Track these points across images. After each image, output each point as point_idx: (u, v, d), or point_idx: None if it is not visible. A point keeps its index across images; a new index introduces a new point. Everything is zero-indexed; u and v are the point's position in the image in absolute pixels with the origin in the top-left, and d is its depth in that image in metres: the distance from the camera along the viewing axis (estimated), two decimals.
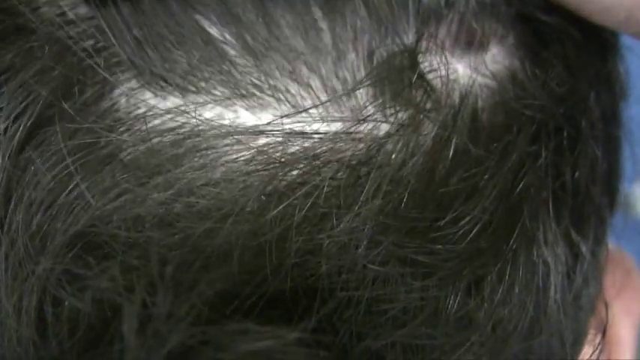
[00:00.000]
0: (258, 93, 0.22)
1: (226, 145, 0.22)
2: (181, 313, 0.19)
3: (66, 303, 0.21)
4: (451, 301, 0.22)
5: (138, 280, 0.20)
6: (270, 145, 0.22)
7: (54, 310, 0.21)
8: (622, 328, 0.30)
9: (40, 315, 0.21)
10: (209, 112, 0.22)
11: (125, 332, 0.19)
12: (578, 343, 0.26)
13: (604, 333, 0.26)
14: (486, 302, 0.23)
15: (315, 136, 0.22)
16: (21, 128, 0.22)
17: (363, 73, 0.22)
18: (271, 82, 0.22)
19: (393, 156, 0.22)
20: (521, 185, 0.23)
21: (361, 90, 0.22)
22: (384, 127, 0.22)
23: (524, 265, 0.23)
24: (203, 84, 0.22)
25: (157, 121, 0.22)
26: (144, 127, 0.22)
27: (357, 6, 0.23)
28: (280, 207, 0.21)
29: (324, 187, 0.21)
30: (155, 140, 0.22)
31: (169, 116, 0.22)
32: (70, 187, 0.22)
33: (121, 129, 0.22)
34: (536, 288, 0.23)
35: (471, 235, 0.22)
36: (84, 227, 0.21)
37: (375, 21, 0.23)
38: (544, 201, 0.23)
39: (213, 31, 0.23)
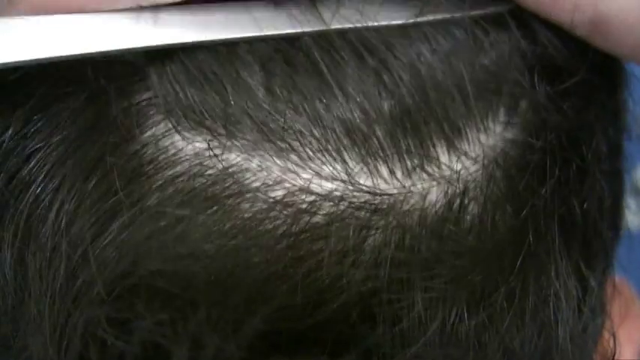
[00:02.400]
0: (284, 137, 0.23)
1: (253, 189, 0.23)
2: (229, 354, 0.20)
3: (109, 343, 0.21)
4: (464, 328, 0.23)
5: (185, 325, 0.21)
6: (294, 190, 0.23)
7: (99, 352, 0.22)
8: (624, 355, 0.31)
9: (82, 355, 0.22)
10: (236, 156, 0.23)
11: None
12: None
13: None
14: (497, 331, 0.24)
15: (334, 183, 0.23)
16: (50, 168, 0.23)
17: (383, 122, 0.23)
18: (297, 126, 0.23)
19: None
20: (525, 212, 0.24)
21: (379, 138, 0.23)
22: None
23: (533, 296, 0.24)
24: (232, 127, 0.23)
25: (185, 165, 0.23)
26: (169, 173, 0.23)
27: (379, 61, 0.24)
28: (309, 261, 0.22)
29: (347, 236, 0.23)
30: (181, 185, 0.23)
31: (196, 161, 0.23)
32: (106, 233, 0.22)
33: (148, 172, 0.23)
34: (547, 320, 0.24)
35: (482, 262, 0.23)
36: (122, 270, 0.22)
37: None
38: (554, 235, 0.24)
39: (249, 80, 0.23)
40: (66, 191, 0.23)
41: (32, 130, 0.24)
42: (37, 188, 0.23)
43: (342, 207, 0.23)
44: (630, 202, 0.34)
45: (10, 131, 0.24)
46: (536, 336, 0.24)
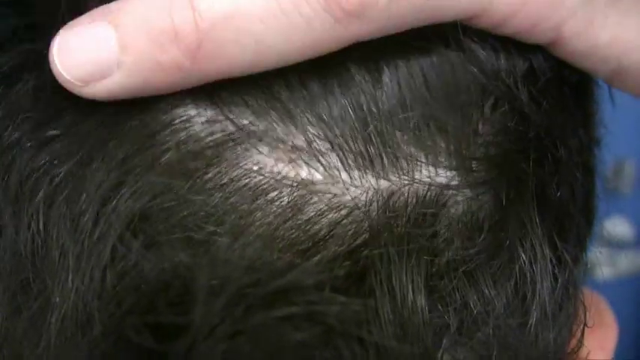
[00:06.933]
0: (289, 106, 0.25)
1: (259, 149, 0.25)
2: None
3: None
4: (448, 289, 0.25)
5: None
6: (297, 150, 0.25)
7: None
8: None
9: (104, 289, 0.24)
10: (245, 120, 0.25)
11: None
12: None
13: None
14: (478, 290, 0.25)
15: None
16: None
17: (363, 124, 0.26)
18: (298, 98, 0.25)
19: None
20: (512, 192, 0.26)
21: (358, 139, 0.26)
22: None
23: (511, 253, 0.26)
24: (241, 98, 0.25)
25: (196, 127, 0.25)
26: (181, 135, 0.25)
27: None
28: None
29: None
30: (194, 145, 0.25)
31: (207, 126, 0.25)
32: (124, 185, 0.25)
33: (162, 136, 0.25)
34: (523, 278, 0.26)
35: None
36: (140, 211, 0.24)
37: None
38: (530, 205, 0.26)
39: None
40: (89, 157, 0.25)
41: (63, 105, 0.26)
42: (64, 158, 0.25)
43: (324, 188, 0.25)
44: (601, 253, 0.36)
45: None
46: (513, 292, 0.26)
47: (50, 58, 0.24)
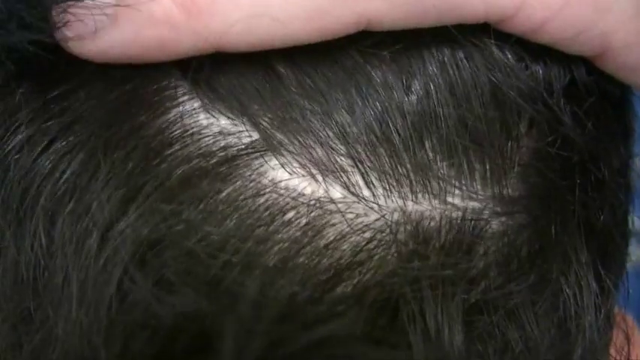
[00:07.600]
0: (303, 118, 0.24)
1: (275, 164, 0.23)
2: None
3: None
4: (490, 328, 0.24)
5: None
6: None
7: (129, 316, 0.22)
8: None
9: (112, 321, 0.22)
10: (260, 131, 0.23)
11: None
12: None
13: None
14: (519, 323, 0.24)
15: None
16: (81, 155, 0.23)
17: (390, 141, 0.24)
18: (318, 109, 0.24)
19: None
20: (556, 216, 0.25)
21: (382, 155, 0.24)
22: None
23: (555, 284, 0.25)
24: (256, 107, 0.23)
25: (209, 140, 0.23)
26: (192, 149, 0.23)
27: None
28: None
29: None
30: (206, 161, 0.23)
31: (220, 138, 0.23)
32: (133, 205, 0.23)
33: (173, 149, 0.23)
34: (568, 310, 0.25)
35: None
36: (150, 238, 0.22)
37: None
38: (575, 231, 0.25)
39: (279, 67, 0.24)
40: (93, 166, 0.23)
41: (59, 108, 0.24)
42: (65, 165, 0.23)
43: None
44: None
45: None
46: (557, 327, 0.24)
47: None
